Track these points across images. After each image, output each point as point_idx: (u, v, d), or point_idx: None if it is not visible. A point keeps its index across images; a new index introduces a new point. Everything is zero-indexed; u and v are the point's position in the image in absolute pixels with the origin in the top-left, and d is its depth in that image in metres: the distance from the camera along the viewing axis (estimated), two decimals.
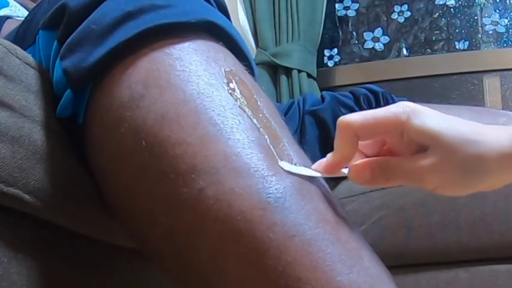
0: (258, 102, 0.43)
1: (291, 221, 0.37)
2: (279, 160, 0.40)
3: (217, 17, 0.46)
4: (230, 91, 0.42)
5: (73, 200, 0.46)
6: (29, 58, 0.46)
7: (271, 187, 0.38)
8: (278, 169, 0.39)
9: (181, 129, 0.39)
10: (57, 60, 0.45)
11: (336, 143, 0.42)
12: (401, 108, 0.41)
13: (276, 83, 1.87)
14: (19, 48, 0.46)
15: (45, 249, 0.45)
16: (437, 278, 0.87)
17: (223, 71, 0.43)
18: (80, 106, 0.45)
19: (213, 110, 0.40)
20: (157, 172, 0.40)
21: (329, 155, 0.42)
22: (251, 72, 0.47)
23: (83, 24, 0.44)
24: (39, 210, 0.43)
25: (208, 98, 0.41)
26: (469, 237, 0.86)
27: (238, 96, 0.42)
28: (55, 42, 0.47)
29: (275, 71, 1.87)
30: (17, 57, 0.44)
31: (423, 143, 0.41)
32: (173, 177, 0.39)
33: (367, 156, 0.44)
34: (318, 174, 0.41)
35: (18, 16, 0.90)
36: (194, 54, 0.43)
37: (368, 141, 0.43)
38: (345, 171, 0.43)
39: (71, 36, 0.45)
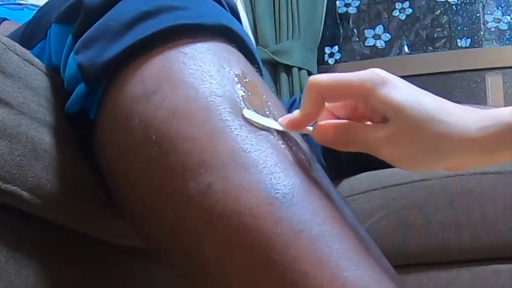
0: (268, 103, 0.44)
1: (298, 216, 0.37)
2: (244, 109, 0.41)
3: (231, 21, 0.47)
4: (240, 91, 0.43)
5: (72, 198, 0.46)
6: (29, 55, 0.46)
7: (279, 183, 0.38)
8: (286, 165, 0.40)
9: (191, 125, 0.40)
10: (72, 54, 0.46)
11: (302, 101, 0.42)
12: (369, 76, 0.40)
13: (276, 80, 1.87)
14: (18, 45, 0.45)
15: (44, 248, 0.45)
16: (438, 277, 0.87)
17: (234, 72, 0.44)
18: (93, 101, 0.45)
19: (224, 108, 0.41)
20: (165, 167, 0.40)
21: (295, 111, 0.43)
22: (260, 74, 0.48)
23: (100, 20, 0.45)
24: (37, 207, 0.43)
25: (219, 97, 0.41)
26: (470, 236, 0.86)
27: (248, 96, 0.43)
28: (70, 36, 0.47)
29: (275, 69, 1.86)
30: (15, 53, 0.44)
31: (385, 114, 0.40)
32: (181, 172, 0.39)
33: (337, 118, 0.44)
34: (280, 128, 0.42)
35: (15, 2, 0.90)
36: (208, 54, 0.44)
37: (338, 103, 0.43)
38: (311, 128, 0.43)
39: (88, 32, 0.45)
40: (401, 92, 0.40)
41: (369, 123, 0.43)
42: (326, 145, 0.43)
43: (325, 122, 0.43)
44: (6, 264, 0.41)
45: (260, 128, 0.41)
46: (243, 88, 0.43)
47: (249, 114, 0.41)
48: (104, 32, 0.44)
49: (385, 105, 0.40)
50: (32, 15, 0.57)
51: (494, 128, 0.39)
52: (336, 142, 0.42)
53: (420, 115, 0.39)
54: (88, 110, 0.46)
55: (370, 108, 0.41)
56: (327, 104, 0.42)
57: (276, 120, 0.42)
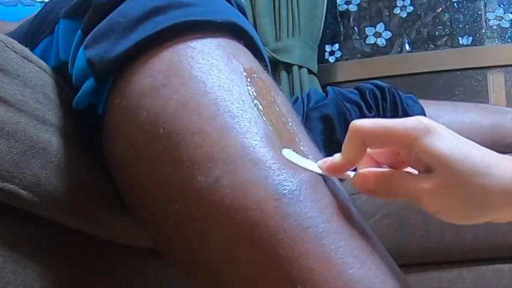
0: (276, 100, 0.44)
1: (305, 213, 0.38)
2: (283, 148, 0.41)
3: (240, 19, 0.48)
4: (249, 86, 0.43)
5: (71, 196, 0.46)
6: (27, 52, 0.46)
7: (286, 179, 0.39)
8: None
9: (201, 119, 0.40)
10: (81, 49, 0.46)
11: (344, 146, 0.41)
12: (414, 124, 0.39)
13: (276, 79, 1.86)
14: (16, 42, 0.45)
15: (42, 247, 0.45)
16: (440, 277, 0.87)
17: (243, 67, 0.44)
18: (101, 96, 0.45)
19: (233, 103, 0.41)
20: (173, 160, 0.40)
21: (335, 156, 0.42)
22: (268, 72, 0.48)
23: (110, 15, 0.46)
24: (36, 205, 0.43)
25: (228, 92, 0.42)
26: (471, 236, 0.86)
27: (257, 92, 0.43)
28: (79, 31, 0.47)
29: (275, 67, 1.86)
30: (13, 51, 0.44)
31: (429, 165, 0.39)
32: (189, 165, 0.40)
33: (378, 164, 0.43)
34: (319, 171, 0.41)
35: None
36: (216, 49, 0.44)
37: (380, 149, 0.42)
38: (351, 174, 0.42)
39: (97, 27, 0.46)
40: (446, 142, 0.39)
41: (410, 169, 0.42)
42: (367, 193, 0.42)
43: (366, 169, 0.42)
44: (4, 264, 0.40)
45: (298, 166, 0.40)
46: (251, 83, 0.43)
47: (288, 154, 0.40)
48: (115, 27, 0.45)
49: (430, 156, 0.38)
50: (37, 11, 0.57)
51: None
52: (378, 191, 0.41)
53: (465, 168, 0.38)
54: (96, 105, 0.46)
55: (414, 157, 0.40)
56: (368, 150, 0.41)
57: (314, 161, 0.42)
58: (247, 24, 0.48)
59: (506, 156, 0.40)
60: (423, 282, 0.87)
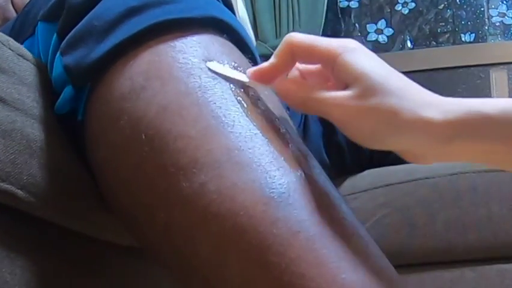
0: (261, 95, 0.43)
1: (295, 217, 0.36)
2: (207, 62, 0.41)
3: (222, 12, 0.46)
4: (232, 83, 0.42)
5: (68, 195, 0.45)
6: (23, 50, 0.46)
7: (274, 182, 0.37)
8: (282, 163, 0.39)
9: (183, 122, 0.39)
10: (58, 55, 0.45)
11: (274, 53, 0.42)
12: (340, 42, 0.40)
13: None
14: (12, 40, 0.45)
15: (39, 247, 0.45)
16: (442, 277, 0.87)
17: (227, 63, 0.43)
18: (80, 102, 0.44)
19: (215, 103, 0.40)
20: (157, 166, 0.39)
21: (263, 63, 0.43)
22: (255, 65, 0.46)
23: (86, 18, 0.44)
24: (32, 206, 0.42)
25: (210, 91, 0.40)
26: (474, 236, 0.85)
27: (241, 88, 0.42)
28: (54, 35, 0.46)
29: None
30: (9, 48, 0.44)
31: (346, 81, 0.39)
32: (174, 171, 0.38)
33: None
34: (246, 80, 0.42)
35: None
36: (198, 47, 0.42)
37: (312, 69, 0.43)
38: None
39: (73, 31, 0.44)
40: (367, 60, 0.39)
41: None
42: (285, 99, 0.42)
43: (293, 78, 0.43)
44: (1, 264, 0.40)
45: (225, 79, 0.41)
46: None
47: (213, 66, 0.41)
48: (91, 31, 0.43)
49: (347, 70, 0.39)
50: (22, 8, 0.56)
51: (457, 113, 0.38)
52: (296, 96, 0.41)
53: (380, 85, 0.38)
54: (77, 111, 0.45)
55: (335, 75, 0.40)
56: (300, 66, 0.43)
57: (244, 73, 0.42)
58: (230, 17, 0.46)
59: (428, 91, 0.40)
60: (425, 282, 0.87)
